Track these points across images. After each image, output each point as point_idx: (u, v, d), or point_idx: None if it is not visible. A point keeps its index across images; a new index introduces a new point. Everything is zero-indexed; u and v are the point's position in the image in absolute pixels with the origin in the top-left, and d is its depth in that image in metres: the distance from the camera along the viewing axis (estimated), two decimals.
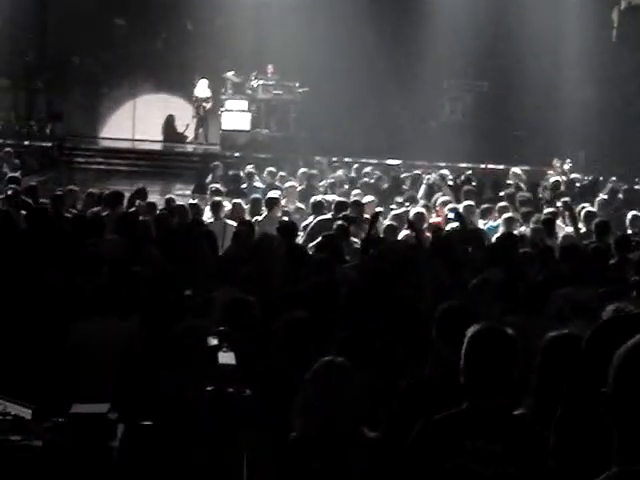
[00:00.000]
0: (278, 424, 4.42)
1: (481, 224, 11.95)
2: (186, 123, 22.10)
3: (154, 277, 7.37)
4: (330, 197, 13.06)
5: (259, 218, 11.88)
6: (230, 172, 15.95)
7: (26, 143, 19.67)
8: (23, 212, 10.55)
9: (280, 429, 4.31)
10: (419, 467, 3.69)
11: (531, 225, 11.20)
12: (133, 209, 11.29)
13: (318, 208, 11.86)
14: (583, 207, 12.26)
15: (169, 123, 22.36)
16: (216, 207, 11.83)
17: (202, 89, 21.73)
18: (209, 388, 3.84)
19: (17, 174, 13.68)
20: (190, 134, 22.11)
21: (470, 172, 16.33)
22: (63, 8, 21.77)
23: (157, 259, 8.45)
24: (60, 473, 4.79)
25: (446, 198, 13.13)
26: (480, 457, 3.61)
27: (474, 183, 15.04)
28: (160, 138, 22.30)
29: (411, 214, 11.64)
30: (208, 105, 21.66)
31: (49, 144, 20.18)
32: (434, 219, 11.89)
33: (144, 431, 4.90)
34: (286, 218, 11.52)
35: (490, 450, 3.62)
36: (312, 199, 12.38)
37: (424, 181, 15.07)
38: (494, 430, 3.67)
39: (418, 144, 19.15)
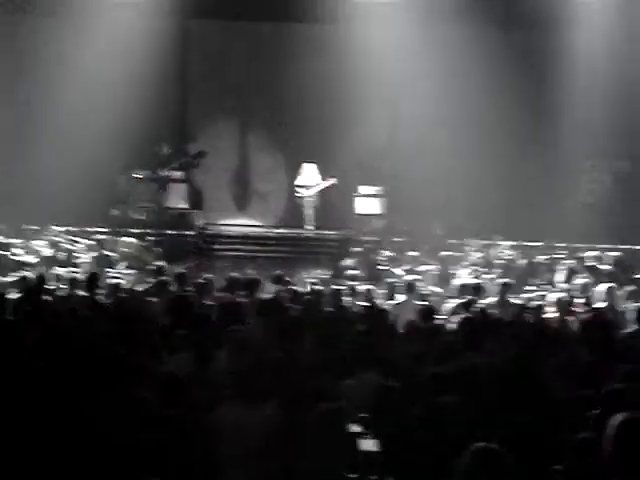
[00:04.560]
0: None
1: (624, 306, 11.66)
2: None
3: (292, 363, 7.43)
4: (471, 280, 12.99)
5: (395, 302, 11.90)
6: (369, 256, 16.01)
7: (168, 232, 20.23)
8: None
9: None
10: None
11: None
12: (274, 295, 11.44)
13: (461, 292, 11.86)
14: None
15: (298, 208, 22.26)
16: (353, 292, 11.93)
17: (310, 175, 21.10)
18: (352, 476, 3.83)
19: (161, 263, 14.01)
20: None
21: (611, 254, 15.98)
22: (200, 99, 22.61)
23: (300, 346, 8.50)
24: None
25: (586, 281, 12.89)
26: None
27: (617, 265, 14.72)
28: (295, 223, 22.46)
29: (551, 297, 11.50)
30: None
31: (191, 232, 20.70)
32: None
33: None
34: (423, 302, 11.49)
35: None
36: (454, 282, 12.35)
37: (562, 264, 14.86)
38: None
39: (556, 225, 18.89)
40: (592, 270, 14.20)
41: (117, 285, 11.88)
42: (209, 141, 22.20)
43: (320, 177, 21.03)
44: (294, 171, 21.65)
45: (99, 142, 20.03)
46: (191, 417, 6.77)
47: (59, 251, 15.34)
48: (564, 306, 11.03)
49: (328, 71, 21.44)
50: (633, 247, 18.88)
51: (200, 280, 12.12)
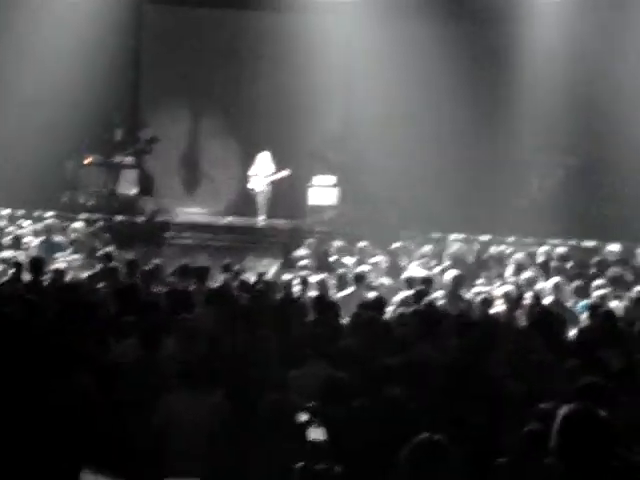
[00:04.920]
0: None
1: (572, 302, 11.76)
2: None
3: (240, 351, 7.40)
4: (420, 273, 13.01)
5: (344, 293, 11.88)
6: (320, 247, 15.97)
7: (117, 218, 20.03)
8: None
9: None
10: None
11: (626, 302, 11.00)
12: (223, 284, 11.38)
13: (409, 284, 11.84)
14: None
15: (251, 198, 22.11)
16: (304, 283, 11.89)
17: (263, 164, 20.94)
18: (299, 464, 3.80)
19: (110, 249, 13.83)
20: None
21: (560, 249, 16.10)
22: (153, 85, 22.42)
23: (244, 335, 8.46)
24: None
25: (534, 276, 12.97)
26: None
27: (566, 261, 14.82)
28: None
29: (500, 291, 11.55)
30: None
31: (140, 219, 20.51)
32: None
33: None
34: (372, 293, 11.47)
35: None
36: (404, 275, 12.35)
37: (512, 258, 14.93)
38: None
39: (506, 220, 19.00)
40: (541, 265, 14.29)
41: (61, 270, 11.73)
42: (161, 127, 22.00)
43: (274, 167, 20.96)
44: (247, 159, 21.56)
45: (50, 127, 19.80)
46: (137, 405, 6.71)
47: (5, 235, 15.12)
48: (512, 300, 11.08)
49: (284, 60, 21.37)
50: (582, 243, 19.06)
51: (149, 267, 12.01)
